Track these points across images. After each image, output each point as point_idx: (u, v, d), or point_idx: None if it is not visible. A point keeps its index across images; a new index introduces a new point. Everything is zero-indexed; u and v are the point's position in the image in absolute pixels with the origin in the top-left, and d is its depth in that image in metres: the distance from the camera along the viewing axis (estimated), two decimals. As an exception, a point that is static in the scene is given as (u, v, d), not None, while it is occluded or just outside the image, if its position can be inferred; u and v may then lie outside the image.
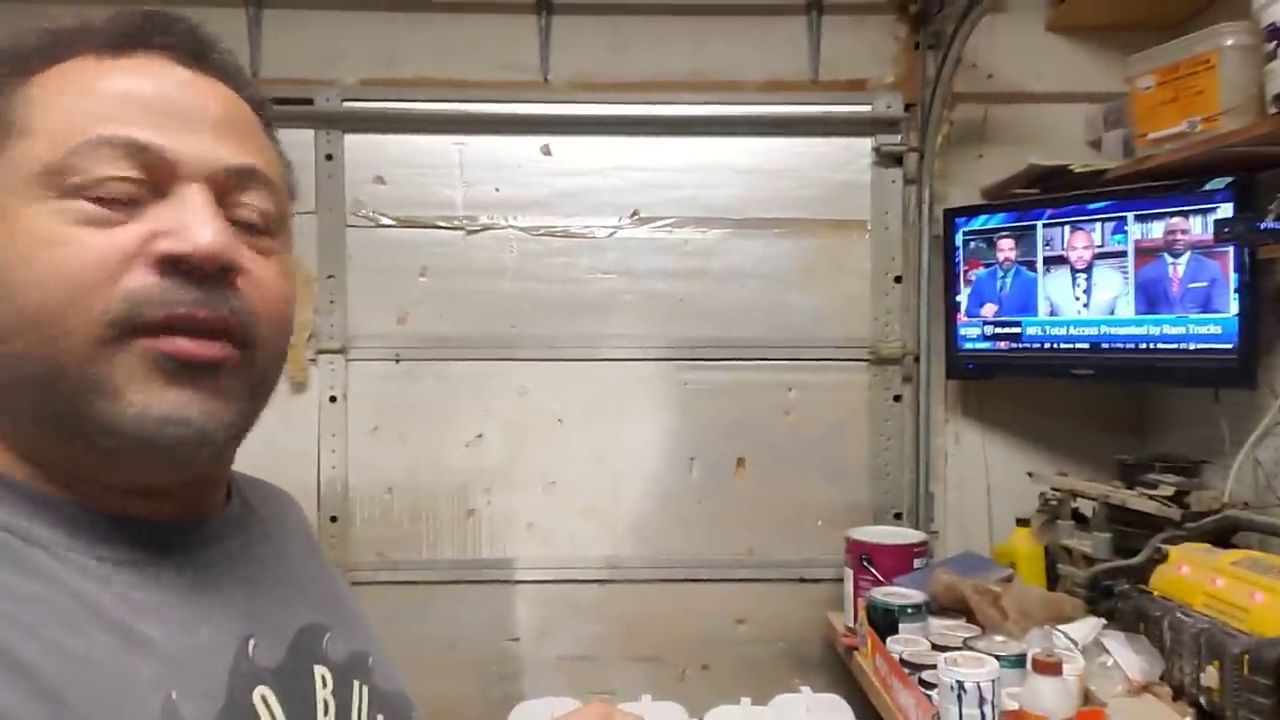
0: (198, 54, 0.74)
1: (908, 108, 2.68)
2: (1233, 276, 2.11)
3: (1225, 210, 2.11)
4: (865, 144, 2.71)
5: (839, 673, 2.54)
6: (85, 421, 0.64)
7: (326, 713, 0.74)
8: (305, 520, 0.95)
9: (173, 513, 0.72)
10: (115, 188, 0.65)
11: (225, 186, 0.70)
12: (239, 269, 0.69)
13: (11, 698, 0.54)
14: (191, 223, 0.66)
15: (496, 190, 2.69)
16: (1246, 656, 1.64)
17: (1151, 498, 2.15)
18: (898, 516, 2.70)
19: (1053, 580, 2.37)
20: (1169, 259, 2.22)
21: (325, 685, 0.75)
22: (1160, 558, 1.99)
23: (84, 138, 0.65)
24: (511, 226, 2.68)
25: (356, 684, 0.80)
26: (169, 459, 0.67)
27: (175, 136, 0.68)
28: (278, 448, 2.59)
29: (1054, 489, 2.46)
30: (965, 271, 2.61)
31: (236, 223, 0.70)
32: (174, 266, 0.65)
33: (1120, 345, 2.32)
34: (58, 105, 0.66)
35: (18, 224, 0.64)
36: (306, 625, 0.77)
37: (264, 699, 0.68)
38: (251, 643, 0.70)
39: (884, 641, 2.07)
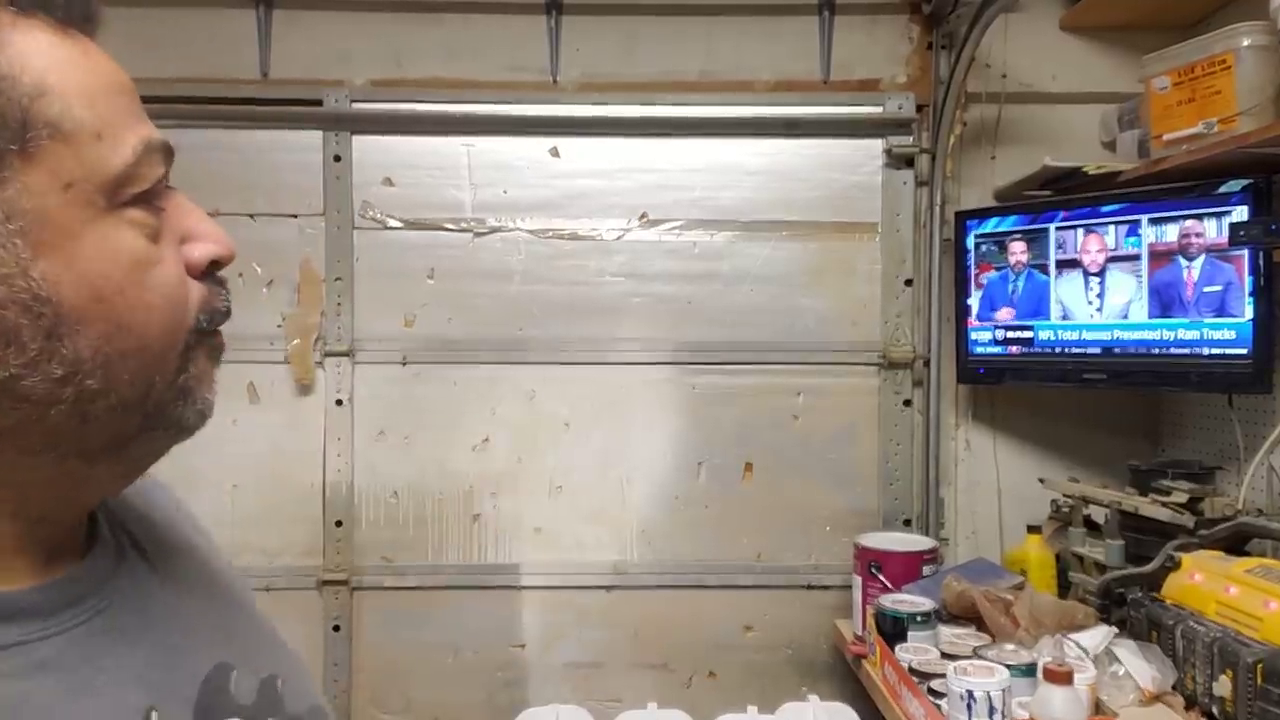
0: (91, 19, 0.62)
1: (920, 108, 2.66)
2: (1248, 280, 2.08)
3: (1241, 213, 2.08)
4: (876, 145, 2.69)
5: (847, 681, 2.52)
6: (153, 431, 0.63)
7: None
8: (180, 503, 0.84)
9: (42, 564, 0.62)
10: (160, 194, 0.62)
11: None
12: None
13: None
14: (206, 226, 0.65)
15: (505, 192, 2.68)
16: (1260, 665, 1.62)
17: (1164, 504, 2.12)
18: (907, 523, 2.68)
19: (1064, 588, 2.34)
20: (1183, 262, 2.19)
21: None
22: (1173, 565, 1.96)
23: (136, 144, 0.60)
24: (520, 229, 2.67)
25: None
26: (181, 441, 0.66)
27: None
28: (283, 451, 2.59)
29: (1066, 495, 2.44)
30: (977, 275, 2.59)
31: None
32: (208, 269, 0.65)
33: (1133, 350, 2.29)
34: (82, 101, 0.58)
35: (104, 243, 0.58)
36: (210, 671, 0.67)
37: None
38: (154, 717, 0.61)
39: (893, 650, 2.05)
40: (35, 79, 0.56)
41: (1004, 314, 2.53)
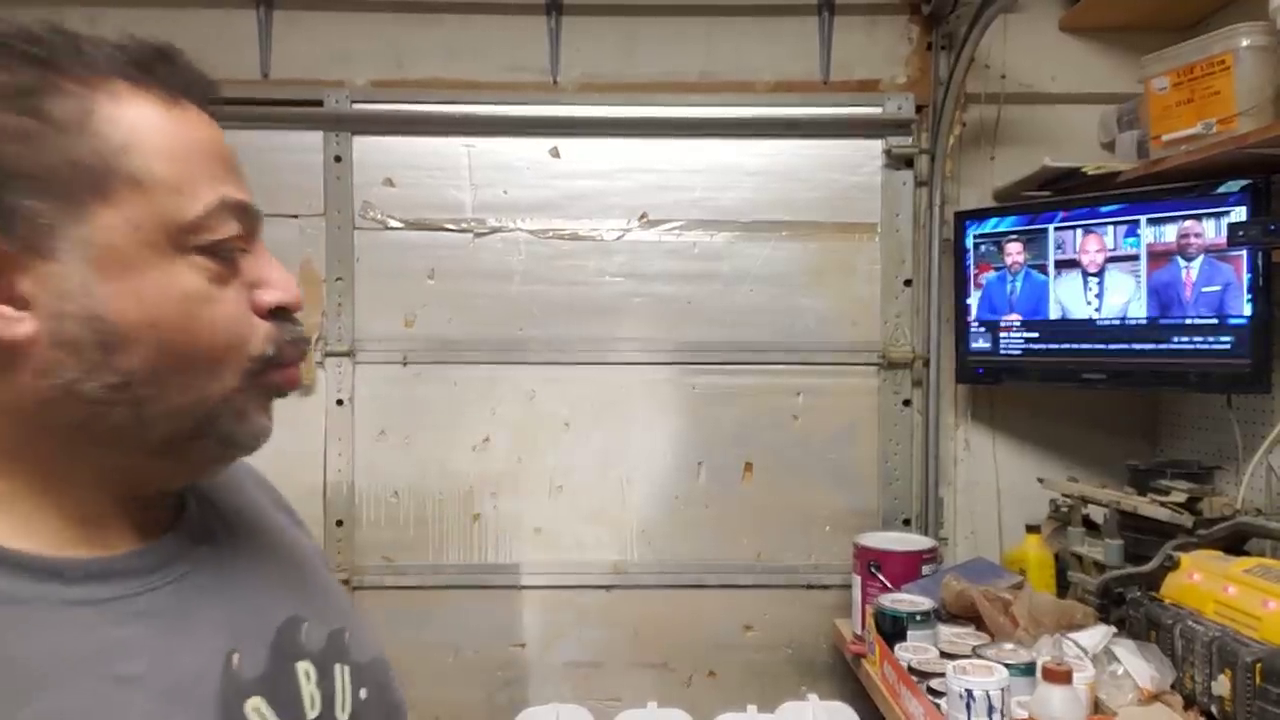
0: (210, 97, 0.79)
1: (919, 109, 2.66)
2: (1246, 280, 2.08)
3: (1239, 213, 2.08)
4: (876, 145, 2.69)
5: (846, 680, 2.52)
6: (205, 439, 0.74)
7: (314, 706, 0.77)
8: (264, 481, 0.99)
9: (138, 535, 0.75)
10: (232, 246, 0.73)
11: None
12: None
13: None
14: (278, 275, 0.76)
15: (505, 192, 2.68)
16: (1259, 665, 1.62)
17: (1163, 504, 2.12)
18: (906, 522, 2.68)
19: (1063, 587, 2.34)
20: (1182, 262, 2.19)
21: (309, 679, 0.78)
22: (1172, 565, 1.96)
23: (210, 200, 0.71)
24: (520, 229, 2.68)
25: (337, 668, 0.82)
26: (238, 457, 0.79)
27: (246, 191, 0.76)
28: (284, 451, 2.56)
29: (1065, 495, 2.43)
30: (976, 275, 2.59)
31: None
32: (277, 312, 0.76)
33: (1132, 350, 2.30)
34: (165, 159, 0.70)
35: (164, 279, 0.69)
36: (284, 622, 0.79)
37: (257, 710, 0.72)
38: (235, 657, 0.72)
39: (892, 649, 2.05)
40: (123, 138, 0.68)
41: (1003, 314, 2.53)
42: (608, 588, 2.68)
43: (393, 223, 2.65)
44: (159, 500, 0.78)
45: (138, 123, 0.69)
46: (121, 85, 0.70)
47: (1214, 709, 1.74)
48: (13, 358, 0.66)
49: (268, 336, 0.75)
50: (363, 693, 0.84)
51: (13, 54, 0.67)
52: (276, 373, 0.76)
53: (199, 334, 0.71)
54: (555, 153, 2.68)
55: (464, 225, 2.67)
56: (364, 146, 2.65)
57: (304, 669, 0.78)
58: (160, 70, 0.73)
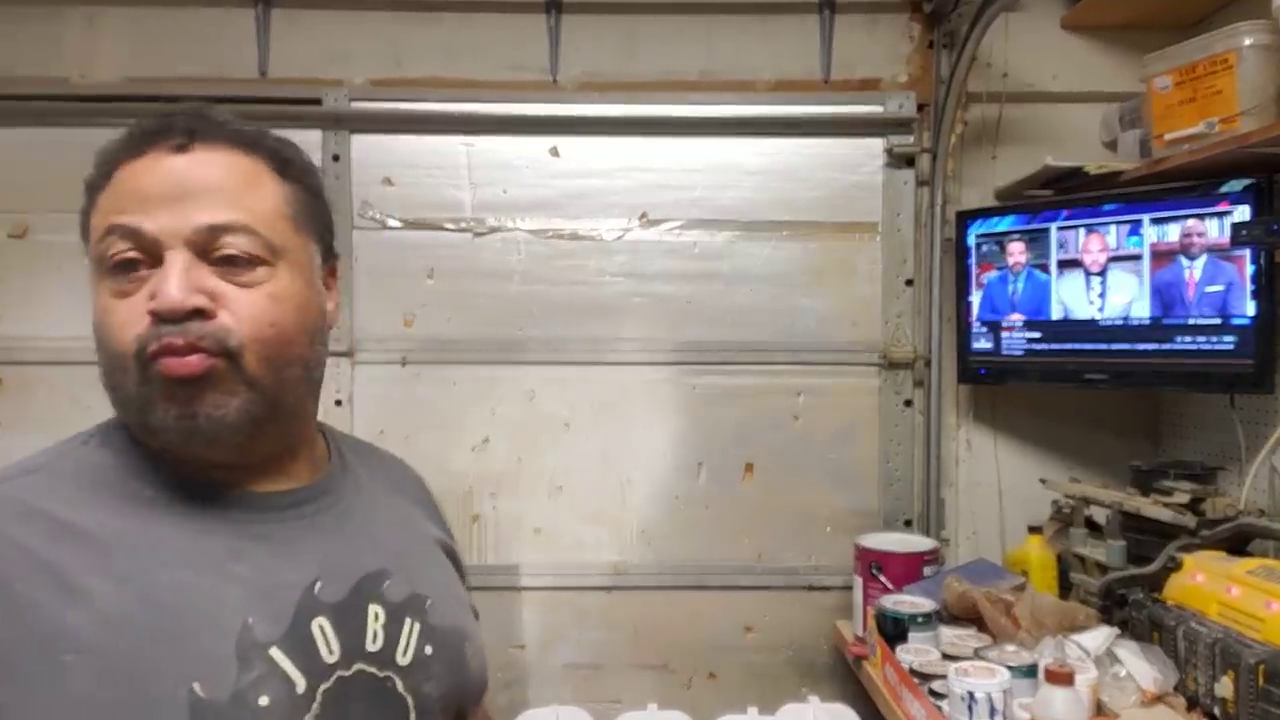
0: (191, 136, 0.96)
1: (920, 108, 2.66)
2: (1249, 280, 2.07)
3: (1242, 213, 2.07)
4: (877, 144, 2.68)
5: (847, 682, 2.52)
6: (145, 424, 0.93)
7: (375, 641, 0.97)
8: (422, 486, 1.27)
9: (264, 484, 1.00)
10: (126, 264, 0.92)
11: (205, 240, 0.93)
12: (208, 306, 0.91)
13: (139, 610, 0.85)
14: (165, 285, 0.90)
15: (505, 192, 2.67)
16: (1262, 666, 1.62)
17: (1166, 505, 2.12)
18: (908, 523, 2.67)
19: (1065, 588, 2.33)
20: (1185, 262, 2.19)
21: (378, 619, 0.98)
22: (1174, 566, 1.95)
23: (100, 231, 0.93)
24: (520, 229, 2.67)
25: (408, 620, 1.01)
26: (203, 441, 0.92)
27: (156, 217, 0.92)
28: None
29: (1067, 496, 2.43)
30: (978, 274, 2.58)
31: (223, 261, 0.93)
32: (160, 316, 0.90)
33: (1135, 350, 2.29)
34: (100, 210, 0.95)
35: (97, 299, 0.94)
36: (372, 571, 1.01)
37: (320, 628, 0.93)
38: (318, 584, 0.95)
39: (893, 650, 2.04)
40: (100, 202, 0.96)
41: (1005, 314, 2.53)
42: (607, 589, 2.67)
43: (392, 222, 2.65)
44: (286, 460, 1.02)
45: (110, 189, 0.95)
46: (126, 160, 0.96)
47: (1217, 711, 1.73)
48: None
49: (136, 337, 0.91)
50: (428, 649, 1.02)
51: (102, 154, 0.97)
52: (151, 366, 0.91)
53: (104, 338, 0.93)
54: (555, 152, 2.68)
55: (463, 225, 2.66)
56: (363, 145, 2.64)
57: (375, 610, 0.98)
58: (134, 136, 0.97)
